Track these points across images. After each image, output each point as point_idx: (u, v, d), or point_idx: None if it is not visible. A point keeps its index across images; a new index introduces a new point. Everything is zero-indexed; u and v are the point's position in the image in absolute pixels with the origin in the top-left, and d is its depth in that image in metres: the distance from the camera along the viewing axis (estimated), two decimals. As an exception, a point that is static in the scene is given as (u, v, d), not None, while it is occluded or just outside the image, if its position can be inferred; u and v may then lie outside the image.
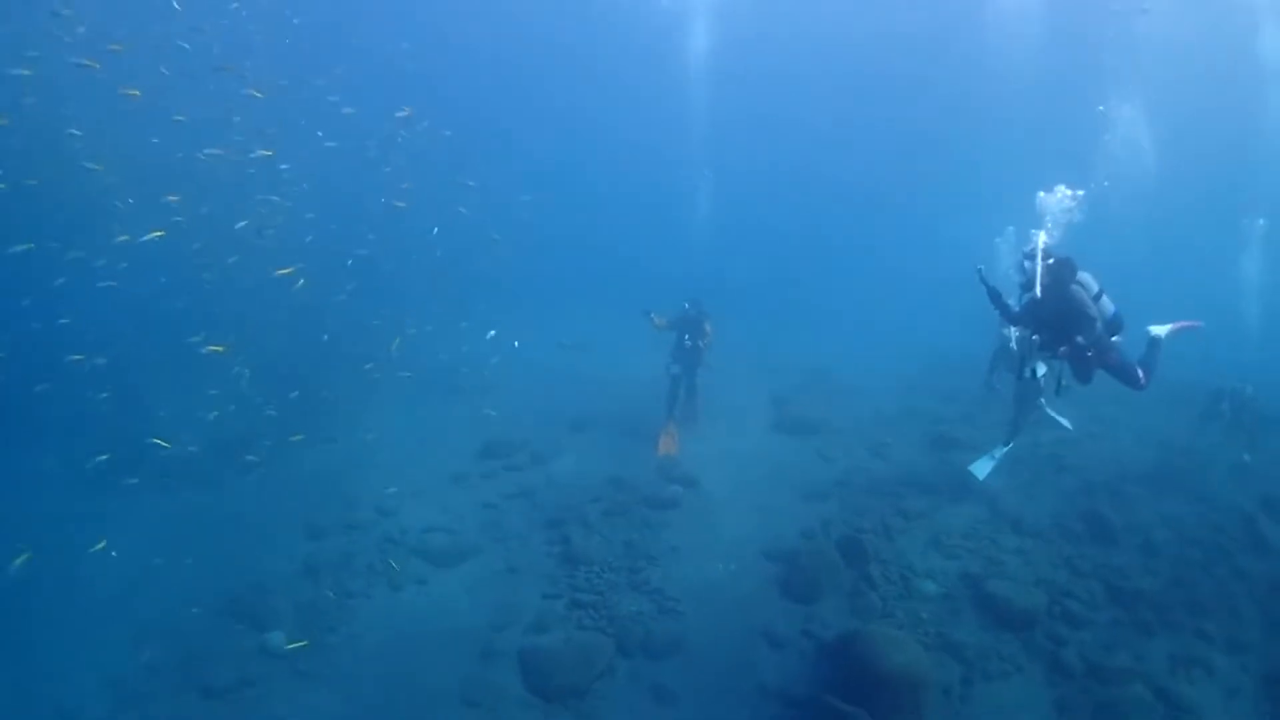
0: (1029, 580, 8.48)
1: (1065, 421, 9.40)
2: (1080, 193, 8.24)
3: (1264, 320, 18.11)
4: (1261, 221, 20.54)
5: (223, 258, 11.75)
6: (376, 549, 9.96)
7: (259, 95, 10.90)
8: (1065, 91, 24.05)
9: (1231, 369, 11.74)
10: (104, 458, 10.59)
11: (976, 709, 7.30)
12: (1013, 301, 8.10)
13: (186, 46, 11.94)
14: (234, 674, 8.25)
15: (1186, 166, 22.54)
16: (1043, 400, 9.23)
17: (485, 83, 28.97)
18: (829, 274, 23.93)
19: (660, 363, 12.31)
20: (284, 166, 11.87)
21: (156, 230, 9.56)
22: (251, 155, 9.06)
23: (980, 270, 7.77)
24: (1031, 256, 7.53)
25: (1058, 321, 7.75)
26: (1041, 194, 8.56)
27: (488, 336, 12.72)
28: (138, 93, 9.43)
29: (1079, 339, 7.51)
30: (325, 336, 12.11)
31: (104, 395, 11.87)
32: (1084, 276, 7.69)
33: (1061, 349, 7.58)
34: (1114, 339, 7.99)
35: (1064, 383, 8.13)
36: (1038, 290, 7.55)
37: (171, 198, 9.92)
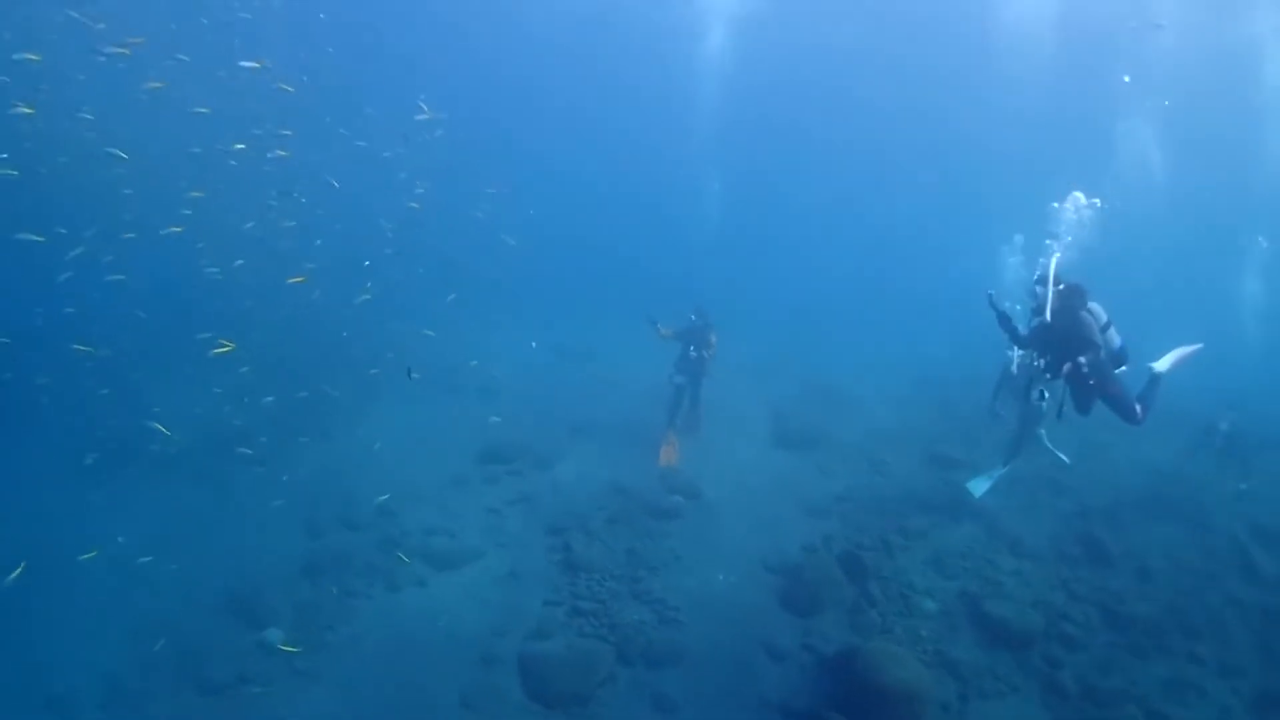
0: (1026, 601, 8.60)
1: (1064, 456, 9.52)
2: (1097, 201, 8.32)
3: (1263, 340, 18.24)
4: (1262, 240, 20.84)
5: (231, 254, 11.69)
6: (377, 549, 9.95)
7: (289, 90, 10.87)
8: (1076, 101, 24.28)
9: (1226, 393, 11.91)
10: (93, 457, 10.45)
11: (973, 726, 7.39)
12: (1022, 326, 8.23)
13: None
14: (232, 671, 8.24)
15: (1191, 184, 22.75)
16: (1042, 431, 9.35)
17: (494, 86, 29.00)
18: (828, 285, 24.11)
19: (663, 370, 12.37)
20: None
21: (174, 226, 9.54)
22: (270, 155, 9.04)
23: (991, 294, 7.89)
24: (1043, 281, 7.65)
25: (1064, 346, 7.87)
26: (1055, 204, 8.65)
27: (531, 346, 12.68)
28: (160, 84, 9.42)
29: (1081, 360, 7.60)
30: (345, 333, 12.02)
31: (105, 391, 11.82)
32: (1094, 306, 7.81)
33: (1066, 366, 7.62)
34: (1117, 371, 8.12)
35: (1065, 410, 8.24)
36: (1048, 315, 7.67)
37: (195, 193, 9.87)
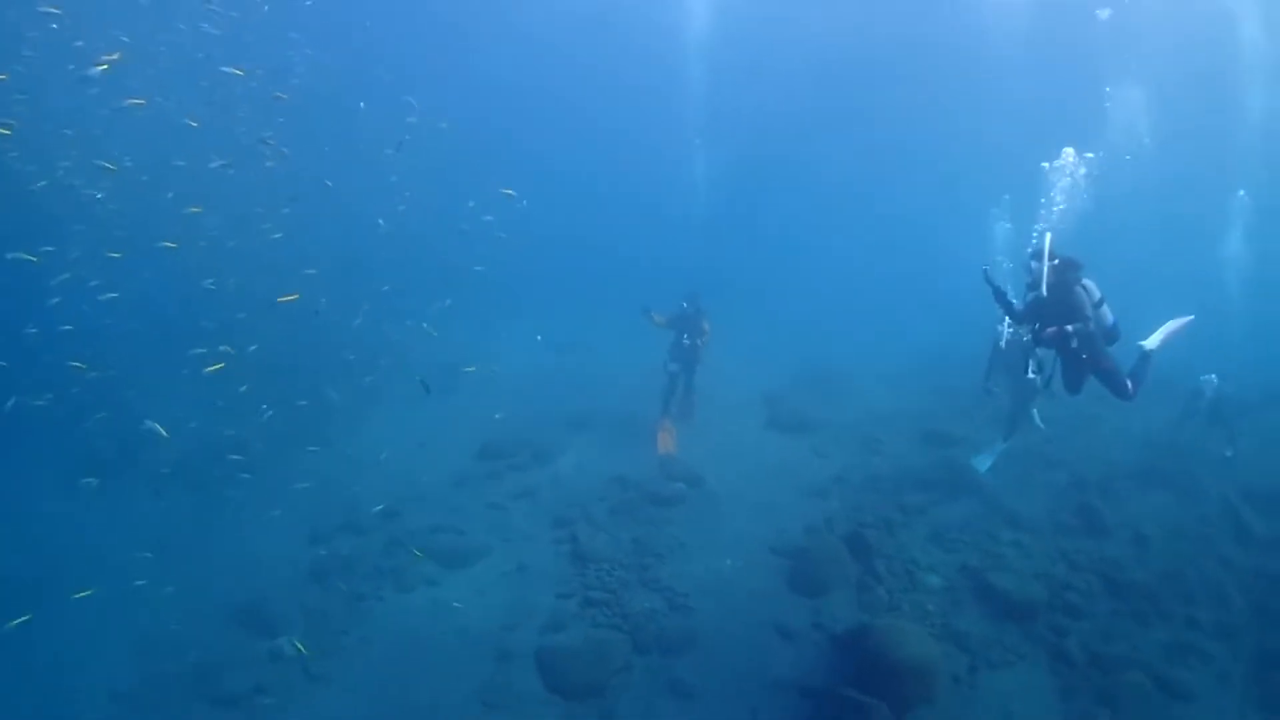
0: (1028, 573, 8.77)
1: (1039, 423, 9.69)
2: (1090, 155, 8.32)
3: (1248, 305, 18.47)
4: (1242, 193, 21.19)
5: (225, 264, 11.56)
6: (384, 552, 9.93)
7: (283, 97, 10.72)
8: (1063, 63, 24.47)
9: (1212, 358, 12.09)
10: (94, 481, 10.29)
11: (984, 696, 7.53)
12: (1017, 301, 8.32)
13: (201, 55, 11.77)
14: (247, 681, 8.19)
15: (1176, 143, 22.95)
16: (1035, 411, 9.53)
17: (483, 83, 28.77)
18: (816, 269, 24.28)
19: (654, 360, 12.43)
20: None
21: (167, 242, 9.41)
22: (268, 163, 8.93)
23: (986, 270, 7.98)
24: (1038, 256, 7.74)
25: (1059, 321, 7.97)
26: (1046, 164, 8.69)
27: (536, 339, 12.63)
28: (140, 100, 9.25)
29: (1069, 327, 7.66)
30: (357, 320, 11.86)
31: (101, 414, 11.65)
32: (1088, 283, 7.91)
33: (1050, 330, 7.61)
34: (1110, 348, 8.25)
35: (1053, 383, 8.36)
36: (1044, 289, 7.76)
37: (193, 209, 9.72)
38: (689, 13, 27.26)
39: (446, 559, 9.77)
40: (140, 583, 9.09)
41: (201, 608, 9.14)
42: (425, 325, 12.97)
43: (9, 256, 8.64)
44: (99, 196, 10.31)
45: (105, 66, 9.10)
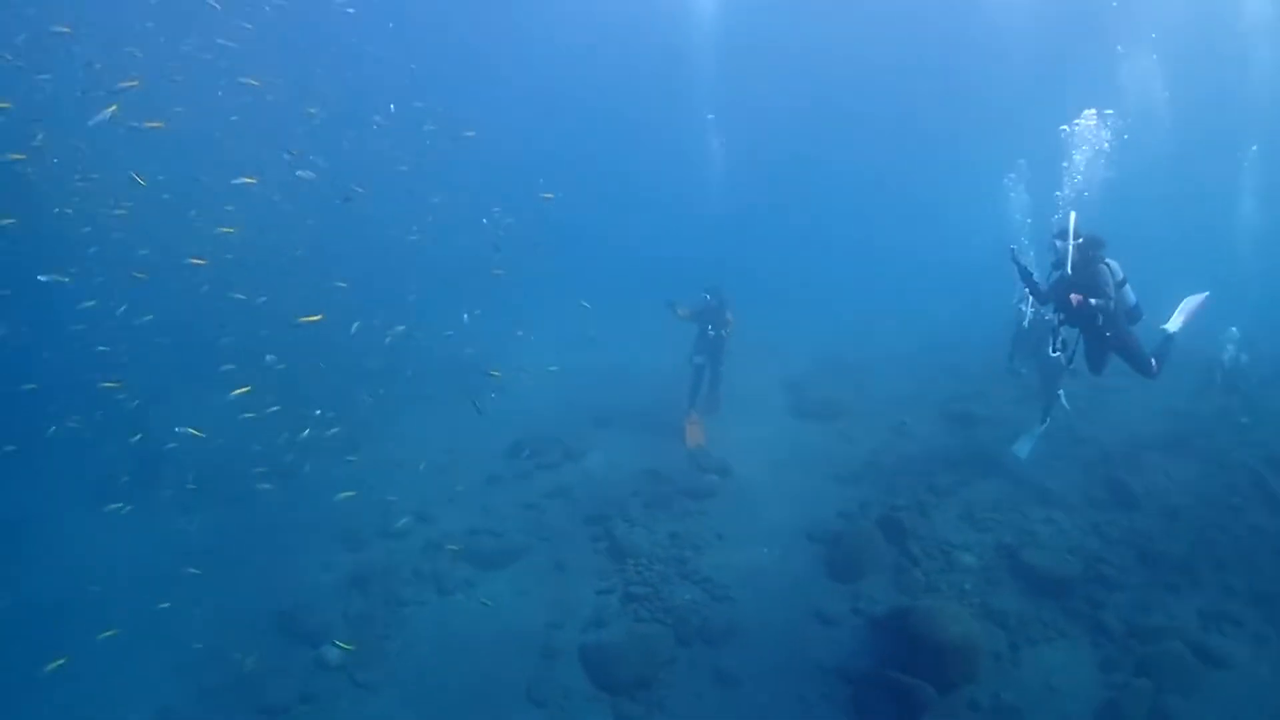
0: (1062, 548, 8.90)
1: (1065, 403, 9.83)
2: (1109, 111, 8.31)
3: (1265, 273, 18.31)
4: (1255, 148, 21.08)
5: (253, 278, 11.62)
6: (422, 556, 10.04)
7: (313, 113, 10.76)
8: (1072, 23, 24.29)
9: (1231, 325, 12.13)
10: (126, 509, 10.36)
11: (1026, 672, 7.66)
12: (1041, 280, 8.40)
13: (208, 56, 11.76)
14: (293, 691, 8.26)
15: (1189, 104, 22.72)
16: (1061, 392, 9.62)
17: (493, 84, 28.73)
18: (825, 255, 24.30)
19: (672, 353, 12.51)
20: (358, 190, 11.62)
21: (196, 258, 9.48)
22: (300, 173, 8.96)
23: (1013, 250, 8.04)
24: (1063, 235, 7.81)
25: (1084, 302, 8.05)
26: (1065, 128, 8.68)
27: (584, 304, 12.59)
28: (159, 123, 9.27)
29: (1093, 301, 7.72)
30: (387, 339, 11.96)
31: (136, 437, 11.74)
32: (1111, 263, 7.99)
33: (1074, 297, 7.62)
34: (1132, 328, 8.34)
35: (1075, 361, 8.45)
36: (1069, 268, 7.84)
37: (225, 229, 9.77)
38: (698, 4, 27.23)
39: (485, 560, 9.88)
40: (166, 605, 9.08)
41: (241, 619, 9.23)
42: (465, 317, 12.78)
43: (41, 279, 8.69)
44: (119, 213, 10.34)
45: (114, 108, 9.09)
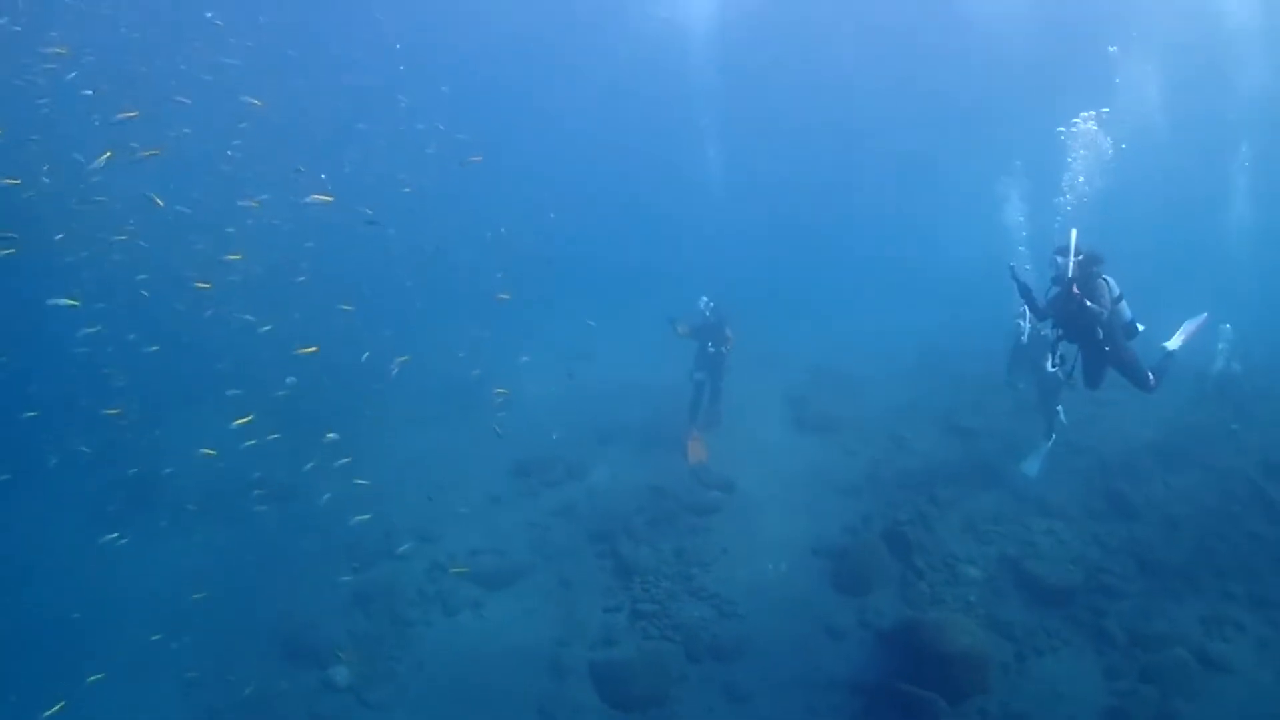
0: (1064, 558, 9.03)
1: (1062, 417, 10.04)
2: (1105, 110, 8.44)
3: (1261, 283, 18.39)
4: (1244, 148, 21.37)
5: (254, 299, 11.64)
6: (426, 576, 10.03)
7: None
8: (1065, 26, 24.70)
9: (1225, 322, 12.34)
10: (120, 535, 10.28)
11: (1033, 682, 7.76)
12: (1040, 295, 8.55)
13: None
14: (301, 713, 8.24)
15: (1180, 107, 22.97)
16: (1059, 408, 9.79)
17: (489, 94, 28.93)
18: (820, 265, 24.49)
19: (683, 368, 12.58)
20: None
21: (201, 282, 9.51)
22: (308, 199, 9.00)
23: (1012, 266, 8.20)
24: (1063, 252, 7.97)
25: (1082, 315, 8.21)
26: (1062, 129, 8.83)
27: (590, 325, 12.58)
28: (157, 150, 9.30)
29: (1089, 303, 7.85)
30: (393, 370, 12.05)
31: (133, 471, 11.69)
32: (1109, 279, 8.15)
33: (1076, 292, 7.71)
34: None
35: (1074, 375, 8.61)
36: (1073, 286, 7.97)
37: (233, 256, 9.81)
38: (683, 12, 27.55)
39: (490, 580, 9.88)
40: (169, 629, 9.08)
41: (247, 641, 9.17)
42: (500, 297, 12.80)
43: (49, 303, 8.68)
44: (122, 238, 10.35)
45: (109, 155, 9.13)
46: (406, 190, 13.18)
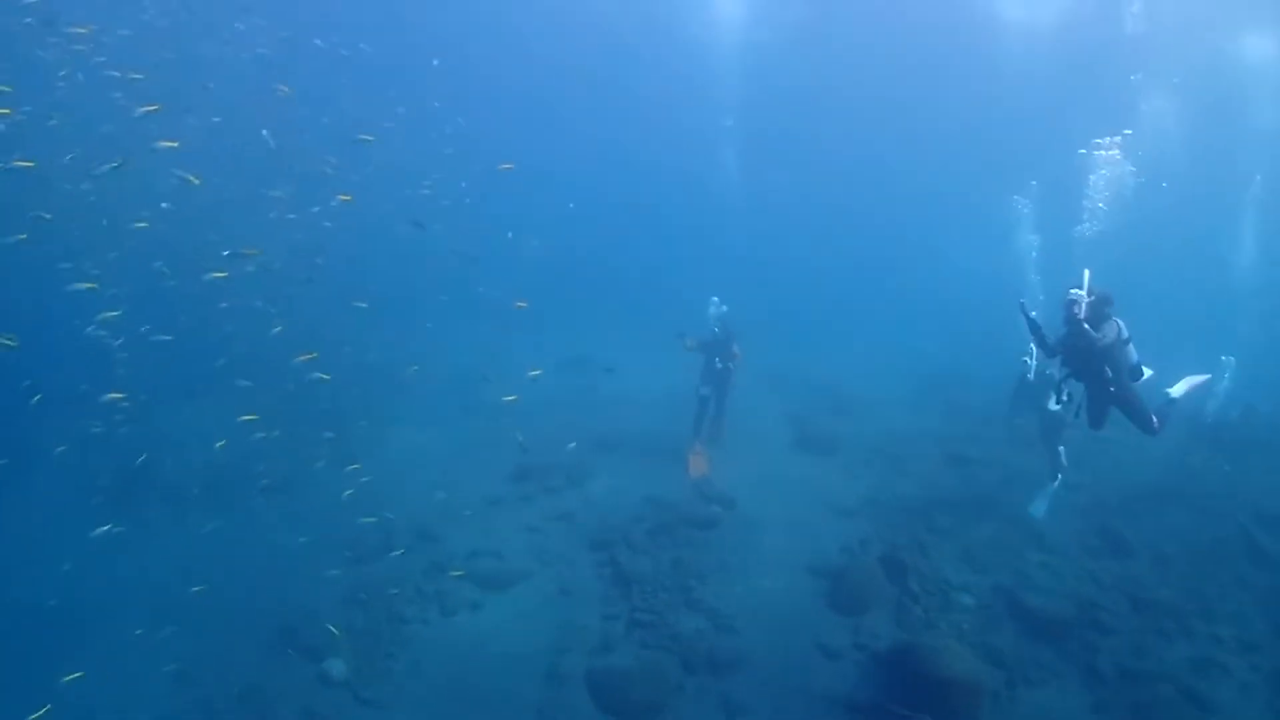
0: (1058, 592, 9.17)
1: (1064, 459, 10.28)
2: (1128, 132, 8.60)
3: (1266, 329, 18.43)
4: (1258, 178, 21.57)
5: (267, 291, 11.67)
6: (424, 575, 10.04)
7: (369, 139, 10.88)
8: (1087, 54, 24.92)
9: (1227, 366, 12.58)
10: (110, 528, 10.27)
11: (1023, 712, 7.86)
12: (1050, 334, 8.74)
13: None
14: (295, 706, 8.19)
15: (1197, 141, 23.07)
16: (1061, 448, 9.97)
17: (502, 99, 29.16)
18: (825, 289, 24.70)
19: (669, 380, 12.71)
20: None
21: (217, 272, 9.54)
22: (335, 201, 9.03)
23: (1023, 303, 8.39)
24: (1077, 289, 8.16)
25: (1090, 354, 8.41)
26: (1083, 150, 8.99)
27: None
28: (174, 143, 9.34)
29: (1094, 332, 8.03)
30: (411, 369, 12.01)
31: (142, 458, 11.66)
32: (1118, 320, 8.36)
33: (1082, 319, 7.97)
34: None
35: (1079, 414, 8.81)
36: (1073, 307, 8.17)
37: (250, 250, 9.82)
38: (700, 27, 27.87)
39: (487, 582, 9.91)
40: (190, 590, 9.14)
41: (242, 633, 9.16)
42: (519, 304, 12.76)
43: (70, 288, 8.67)
44: (141, 225, 10.39)
45: (119, 163, 9.17)
46: (426, 191, 13.27)
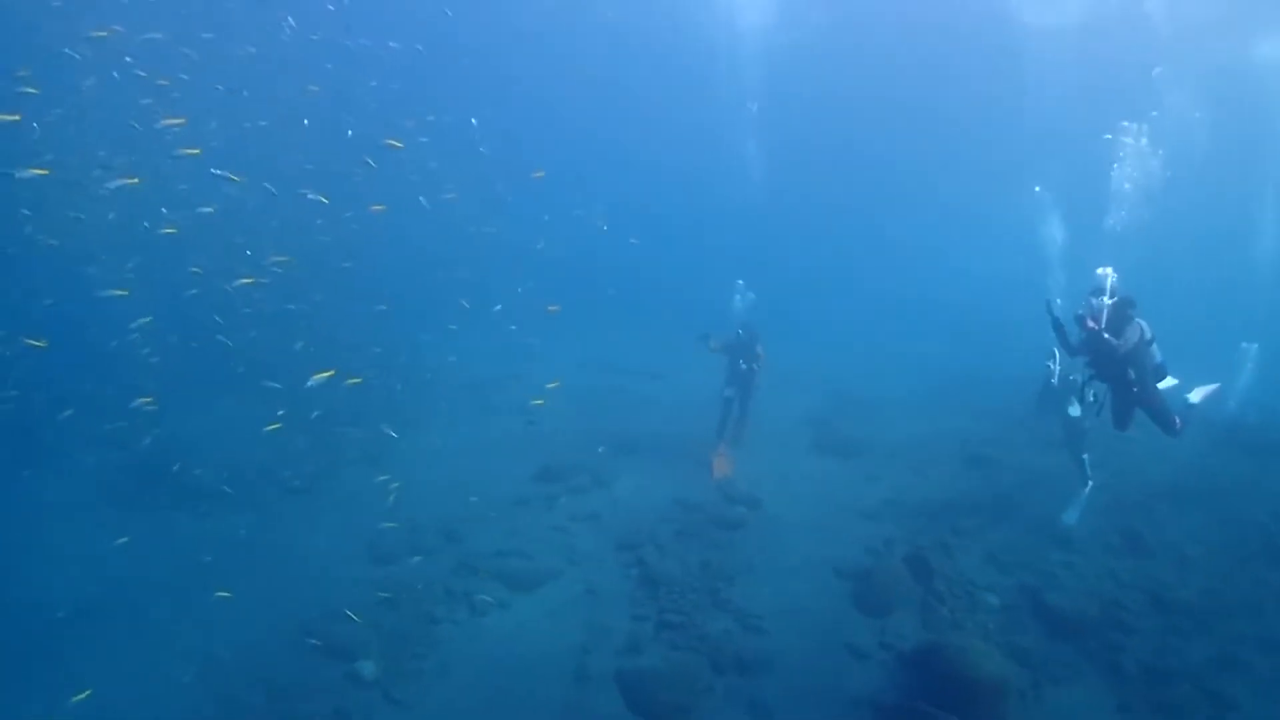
0: (1080, 592, 9.28)
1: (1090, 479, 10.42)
2: (1155, 114, 8.54)
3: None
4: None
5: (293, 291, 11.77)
6: (453, 574, 10.18)
7: (398, 145, 10.96)
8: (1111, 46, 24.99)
9: (1249, 354, 12.67)
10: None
11: (1048, 711, 7.98)
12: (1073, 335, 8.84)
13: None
14: (325, 706, 8.27)
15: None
16: (1086, 456, 10.08)
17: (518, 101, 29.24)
18: (841, 292, 24.76)
19: (703, 378, 12.81)
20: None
21: (244, 279, 9.64)
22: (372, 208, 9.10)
23: (1049, 302, 8.49)
24: (1098, 293, 8.27)
25: (1113, 356, 8.50)
26: (1108, 136, 9.02)
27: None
28: (196, 150, 9.39)
29: (1107, 335, 8.14)
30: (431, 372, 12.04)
31: (148, 440, 11.77)
32: (1141, 321, 8.45)
33: (1090, 322, 8.08)
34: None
35: (1102, 413, 8.91)
36: (1101, 325, 8.28)
37: (279, 259, 9.92)
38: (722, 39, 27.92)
39: (515, 582, 10.04)
40: (216, 591, 9.22)
41: (270, 634, 9.26)
42: (551, 309, 12.86)
43: (101, 295, 8.79)
44: (170, 232, 10.49)
45: (134, 180, 9.21)
46: (451, 197, 13.35)
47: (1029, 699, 8.09)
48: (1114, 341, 8.15)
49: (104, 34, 12.78)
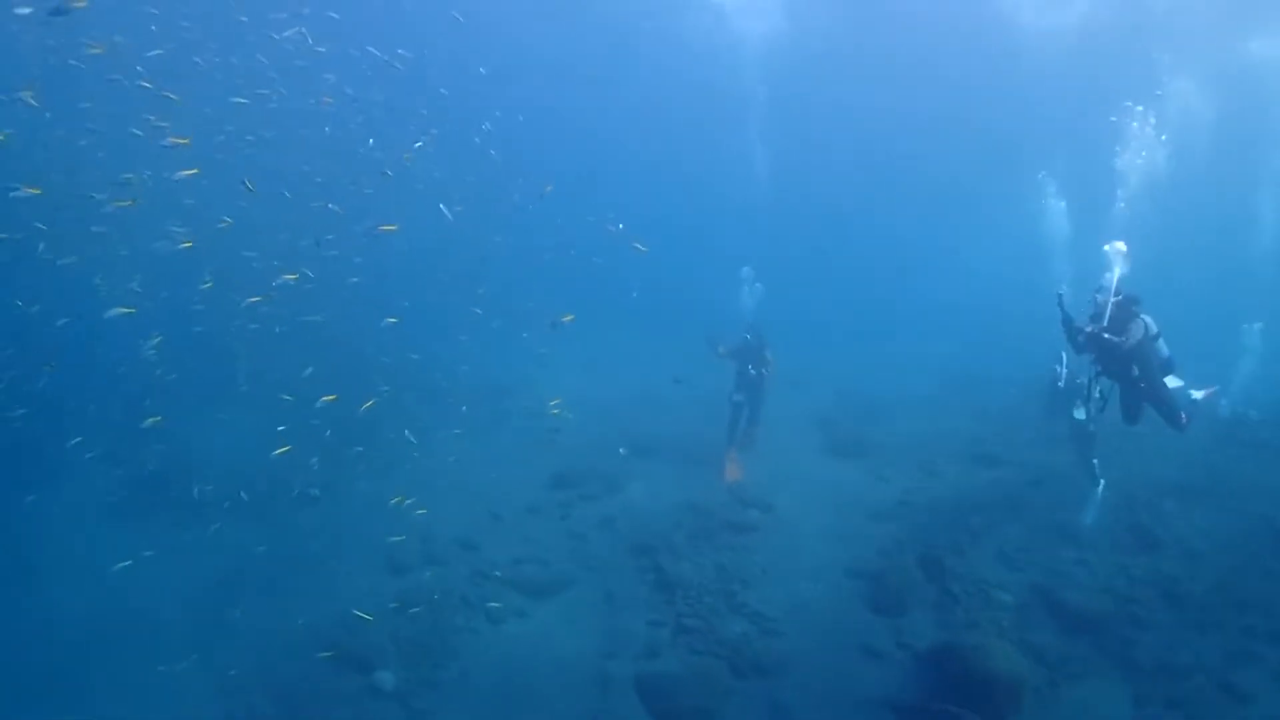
0: (1093, 588, 9.38)
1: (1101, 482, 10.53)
2: (1159, 93, 8.53)
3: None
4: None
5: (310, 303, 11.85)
6: (469, 583, 10.24)
7: (411, 154, 10.97)
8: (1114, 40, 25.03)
9: (1253, 334, 12.79)
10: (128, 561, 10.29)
11: (1065, 706, 8.07)
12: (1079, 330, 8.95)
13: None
14: (346, 718, 8.31)
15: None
16: (1095, 461, 10.21)
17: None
18: (844, 291, 24.88)
19: (708, 382, 12.90)
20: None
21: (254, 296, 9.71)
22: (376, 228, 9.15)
23: (1059, 295, 8.60)
24: (1103, 290, 8.39)
25: (1118, 352, 8.62)
26: (1114, 118, 9.12)
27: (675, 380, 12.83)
28: (195, 170, 9.44)
29: (1107, 334, 8.25)
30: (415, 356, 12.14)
31: (158, 449, 11.78)
32: (1147, 318, 8.58)
33: (1092, 329, 8.23)
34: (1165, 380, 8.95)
35: (1107, 407, 9.03)
36: (1105, 321, 8.41)
37: (289, 277, 9.97)
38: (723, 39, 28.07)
39: (533, 589, 10.12)
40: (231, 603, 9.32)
41: (286, 644, 9.27)
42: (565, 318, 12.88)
43: (109, 314, 8.82)
44: (186, 246, 10.56)
45: (132, 202, 9.25)
46: (458, 209, 13.44)
47: (1045, 695, 8.18)
48: (1116, 340, 8.27)
49: (97, 49, 12.86)
